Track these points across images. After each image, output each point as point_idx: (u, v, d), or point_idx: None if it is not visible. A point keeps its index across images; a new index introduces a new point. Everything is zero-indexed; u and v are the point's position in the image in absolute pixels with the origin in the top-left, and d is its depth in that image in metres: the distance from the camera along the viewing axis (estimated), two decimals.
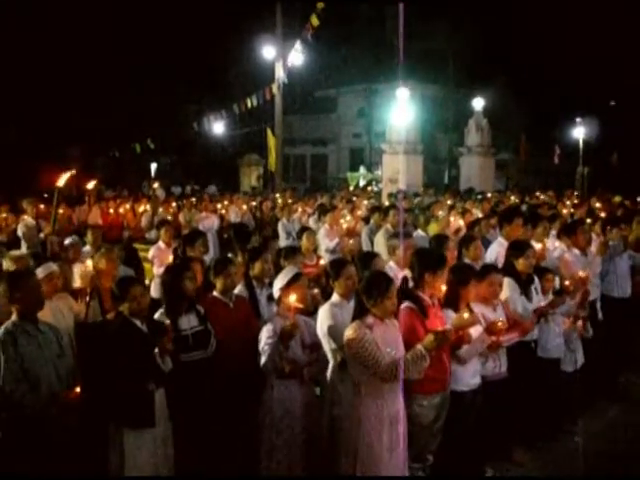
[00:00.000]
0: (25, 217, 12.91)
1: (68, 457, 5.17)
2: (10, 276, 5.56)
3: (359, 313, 5.27)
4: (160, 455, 5.63)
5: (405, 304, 5.72)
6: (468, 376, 6.13)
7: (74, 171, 11.47)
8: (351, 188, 29.63)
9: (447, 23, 37.17)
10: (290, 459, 5.72)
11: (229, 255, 8.02)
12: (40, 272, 6.21)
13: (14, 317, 5.30)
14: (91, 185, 17.24)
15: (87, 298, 6.62)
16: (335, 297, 6.13)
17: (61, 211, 13.33)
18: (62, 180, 11.16)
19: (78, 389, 5.19)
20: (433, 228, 11.31)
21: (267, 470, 5.75)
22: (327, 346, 5.89)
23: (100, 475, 5.58)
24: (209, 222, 14.27)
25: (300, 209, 15.84)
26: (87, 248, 9.20)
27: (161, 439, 5.64)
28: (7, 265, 7.06)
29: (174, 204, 17.94)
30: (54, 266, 6.54)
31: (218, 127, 30.43)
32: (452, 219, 11.84)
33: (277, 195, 20.47)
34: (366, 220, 13.56)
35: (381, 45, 41.17)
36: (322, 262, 8.58)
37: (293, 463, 5.73)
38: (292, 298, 5.56)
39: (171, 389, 5.71)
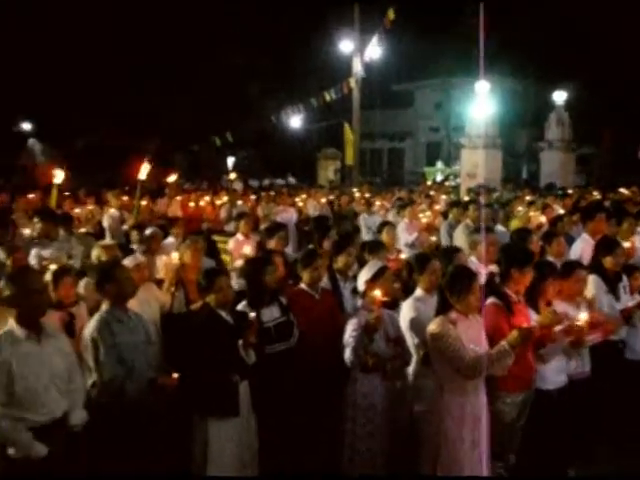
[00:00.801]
0: (110, 209, 13.24)
1: (158, 444, 5.29)
2: (101, 267, 5.72)
3: (442, 308, 5.25)
4: (243, 445, 5.69)
5: (490, 300, 5.66)
6: (553, 374, 6.01)
7: (149, 161, 11.76)
8: (428, 182, 29.41)
9: (527, 14, 36.45)
10: (372, 452, 5.73)
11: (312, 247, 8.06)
12: (128, 262, 6.37)
13: (106, 306, 5.45)
14: (172, 178, 17.58)
15: (172, 289, 6.76)
16: (418, 292, 6.13)
17: (143, 203, 13.60)
18: (143, 173, 11.45)
19: (175, 375, 5.26)
20: (515, 224, 11.15)
21: (350, 463, 5.78)
22: (410, 340, 5.88)
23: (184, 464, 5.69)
24: (287, 215, 14.36)
25: (379, 203, 15.79)
26: (170, 240, 9.37)
27: (245, 430, 5.69)
28: (97, 254, 7.26)
29: (252, 197, 18.12)
30: (141, 257, 6.71)
31: (295, 121, 30.58)
32: (531, 214, 11.66)
33: (355, 189, 20.44)
34: (444, 215, 13.45)
35: (459, 38, 40.62)
36: (402, 256, 8.55)
37: (375, 456, 5.74)
38: (377, 292, 5.58)
39: (254, 380, 5.77)
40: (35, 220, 9.45)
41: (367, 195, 17.56)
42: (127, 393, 5.19)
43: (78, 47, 32.15)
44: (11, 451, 4.49)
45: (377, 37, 24.80)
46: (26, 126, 40.03)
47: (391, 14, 23.74)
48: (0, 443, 4.51)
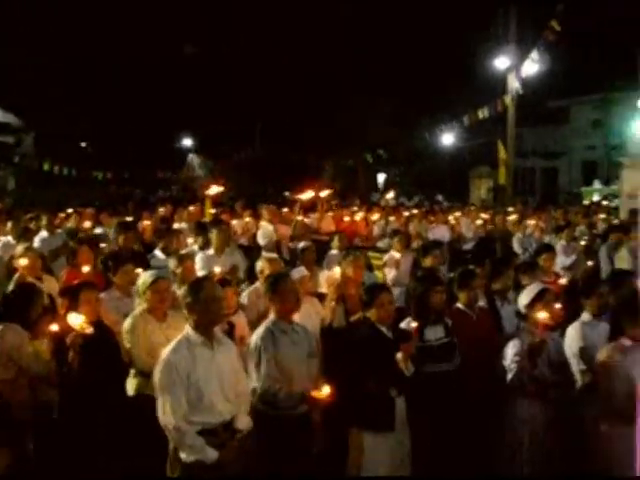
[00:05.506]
0: (263, 222, 13.58)
1: (308, 454, 5.42)
2: (270, 278, 5.89)
3: (615, 334, 5.07)
4: (396, 460, 5.69)
5: None
6: None
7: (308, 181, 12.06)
8: (585, 203, 28.38)
9: None
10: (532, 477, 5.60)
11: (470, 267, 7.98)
12: (294, 275, 6.52)
13: (272, 317, 5.62)
14: (324, 193, 17.69)
15: (333, 303, 6.86)
16: (586, 316, 5.96)
17: (299, 218, 13.86)
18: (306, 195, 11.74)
19: (327, 389, 5.28)
20: None
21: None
22: (575, 367, 5.72)
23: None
24: (440, 233, 14.22)
25: (533, 222, 15.33)
26: (334, 252, 9.57)
27: (398, 444, 5.69)
28: (261, 266, 7.46)
29: (405, 214, 18.05)
30: (305, 270, 6.86)
31: (448, 138, 30.28)
32: None
33: (509, 209, 19.98)
34: (603, 237, 12.93)
35: (618, 49, 38.88)
36: (562, 281, 8.34)
37: None
38: (542, 314, 5.46)
39: (412, 397, 5.77)
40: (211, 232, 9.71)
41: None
42: (280, 403, 5.37)
43: (236, 69, 33.54)
44: (183, 455, 4.68)
45: (536, 51, 23.86)
46: (187, 142, 42.18)
47: (556, 25, 22.68)
48: (174, 446, 4.72)
